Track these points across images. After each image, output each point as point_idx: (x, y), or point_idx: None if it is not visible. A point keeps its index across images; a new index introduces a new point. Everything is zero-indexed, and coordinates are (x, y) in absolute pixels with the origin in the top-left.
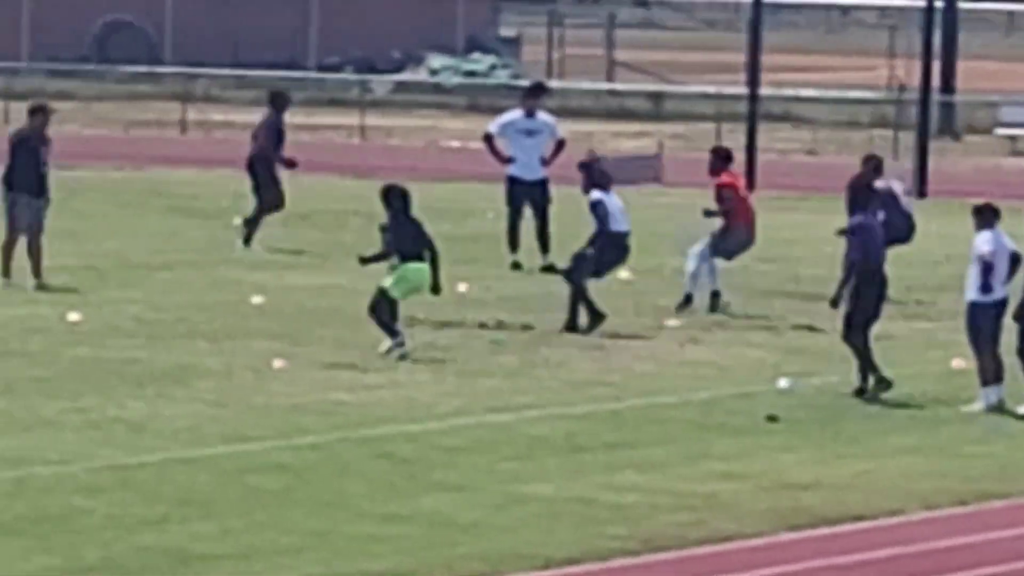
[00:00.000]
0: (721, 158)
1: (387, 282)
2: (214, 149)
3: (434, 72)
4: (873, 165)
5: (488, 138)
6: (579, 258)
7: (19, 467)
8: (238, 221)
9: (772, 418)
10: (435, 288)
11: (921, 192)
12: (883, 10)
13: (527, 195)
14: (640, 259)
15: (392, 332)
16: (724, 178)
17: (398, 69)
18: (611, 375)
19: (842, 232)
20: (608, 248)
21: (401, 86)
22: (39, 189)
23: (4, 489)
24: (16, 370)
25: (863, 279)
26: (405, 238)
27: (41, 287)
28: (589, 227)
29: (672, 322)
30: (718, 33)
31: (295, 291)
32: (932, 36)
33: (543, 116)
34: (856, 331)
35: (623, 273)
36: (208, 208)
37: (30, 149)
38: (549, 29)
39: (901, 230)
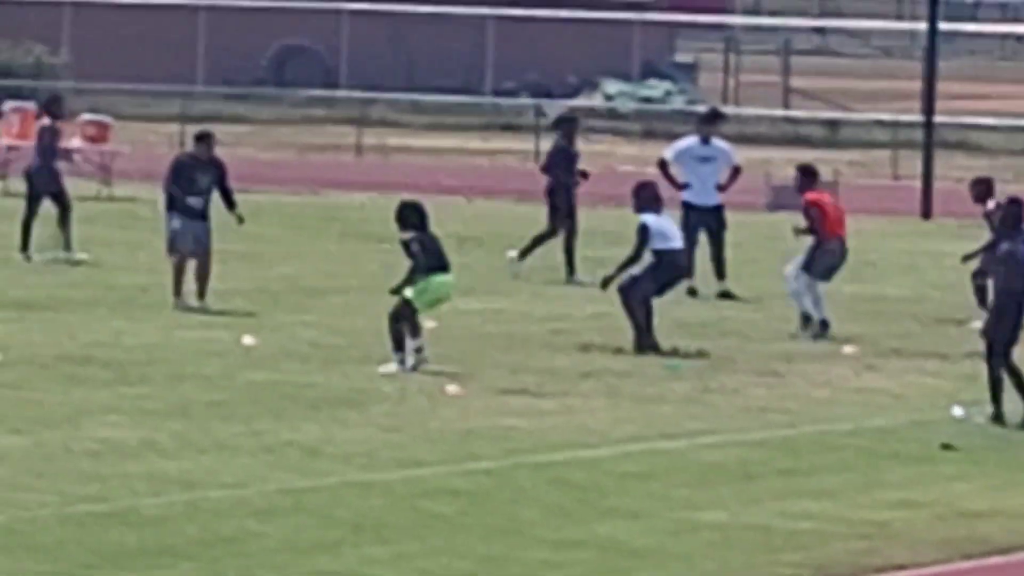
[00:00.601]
0: (807, 176)
1: (411, 293)
2: (390, 173)
3: (609, 98)
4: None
5: (663, 164)
6: (632, 279)
7: (193, 490)
8: (512, 253)
9: (947, 446)
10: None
11: None
12: None
13: (702, 221)
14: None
15: (399, 347)
16: (810, 196)
17: (573, 94)
18: (786, 402)
19: (967, 258)
20: (662, 267)
21: (576, 111)
22: (200, 213)
23: (177, 511)
24: (191, 393)
25: (1005, 305)
26: (432, 252)
27: (203, 309)
28: (764, 250)
29: (848, 349)
30: (894, 61)
31: (468, 316)
32: None
33: (719, 143)
34: (997, 357)
35: None
36: (383, 232)
37: (190, 173)
38: (725, 55)
39: None
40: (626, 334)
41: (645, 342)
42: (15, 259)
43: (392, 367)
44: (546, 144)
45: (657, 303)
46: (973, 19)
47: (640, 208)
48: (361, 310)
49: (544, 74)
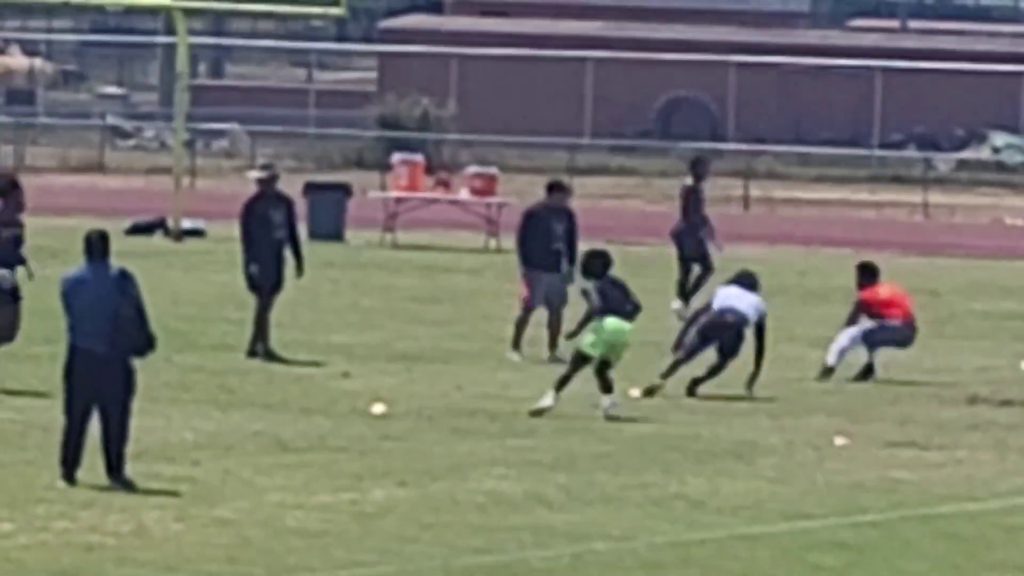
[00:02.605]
0: (865, 273)
1: (585, 341)
2: (777, 226)
3: (997, 150)
4: None
5: None
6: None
7: (580, 543)
8: (677, 305)
9: None
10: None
11: None
12: None
13: None
14: None
15: (560, 387)
16: (863, 295)
17: (961, 147)
18: None
19: None
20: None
21: (964, 164)
22: (555, 264)
23: (564, 564)
24: (577, 445)
25: None
26: (611, 298)
27: (556, 359)
28: None
29: None
30: None
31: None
32: None
33: None
34: None
35: None
36: (772, 284)
37: (543, 224)
38: None
39: None
40: (1015, 387)
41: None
42: (401, 310)
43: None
44: (935, 196)
45: None
46: None
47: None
48: (746, 362)
49: (931, 126)
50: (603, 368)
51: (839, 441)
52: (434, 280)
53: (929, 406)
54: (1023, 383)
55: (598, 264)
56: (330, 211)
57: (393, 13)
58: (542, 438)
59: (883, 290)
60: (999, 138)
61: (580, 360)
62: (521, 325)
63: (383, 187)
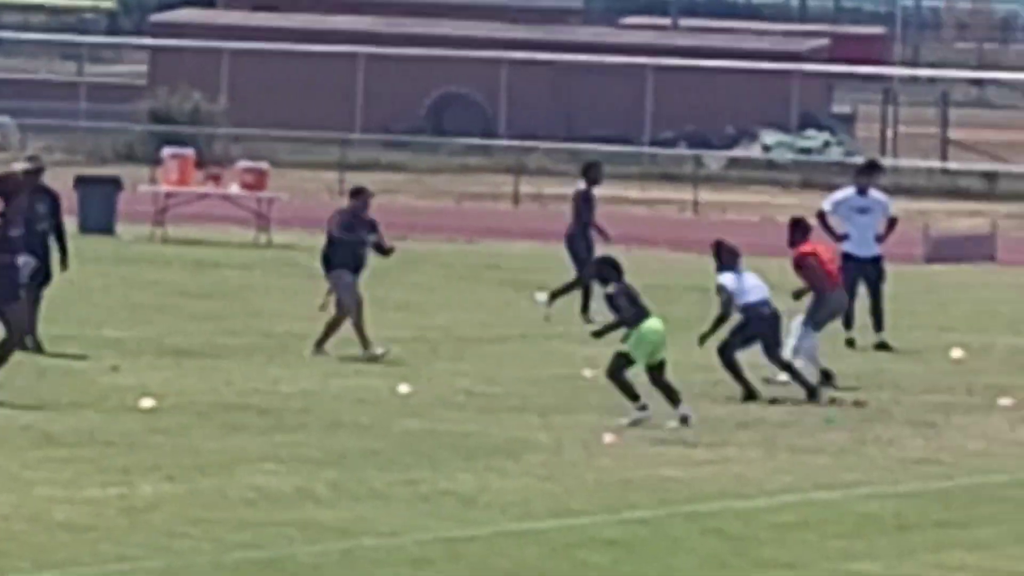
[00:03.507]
0: (798, 229)
1: (627, 347)
2: (547, 222)
3: (767, 148)
4: None
5: (822, 215)
6: (725, 340)
7: (348, 538)
8: (542, 296)
9: None
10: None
11: None
12: None
13: (861, 272)
14: (973, 337)
15: (634, 396)
16: (802, 249)
17: (731, 145)
18: (941, 454)
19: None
20: (749, 323)
21: (734, 162)
22: (357, 266)
23: (333, 560)
24: (347, 441)
25: None
26: (638, 304)
27: (371, 359)
28: (922, 303)
29: (1004, 401)
30: None
31: None
32: None
33: (876, 194)
34: None
35: (956, 352)
36: (541, 281)
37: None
38: (883, 107)
39: None
40: (783, 385)
41: (752, 393)
42: (171, 305)
43: (636, 415)
44: (705, 194)
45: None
46: None
47: (720, 268)
48: (517, 359)
49: (702, 124)
50: (657, 375)
51: (608, 439)
52: (204, 275)
53: (698, 404)
54: (792, 383)
55: (611, 269)
56: (100, 205)
57: (164, 7)
58: (311, 434)
59: (821, 248)
60: (769, 136)
61: (623, 359)
62: (338, 326)
63: (153, 181)
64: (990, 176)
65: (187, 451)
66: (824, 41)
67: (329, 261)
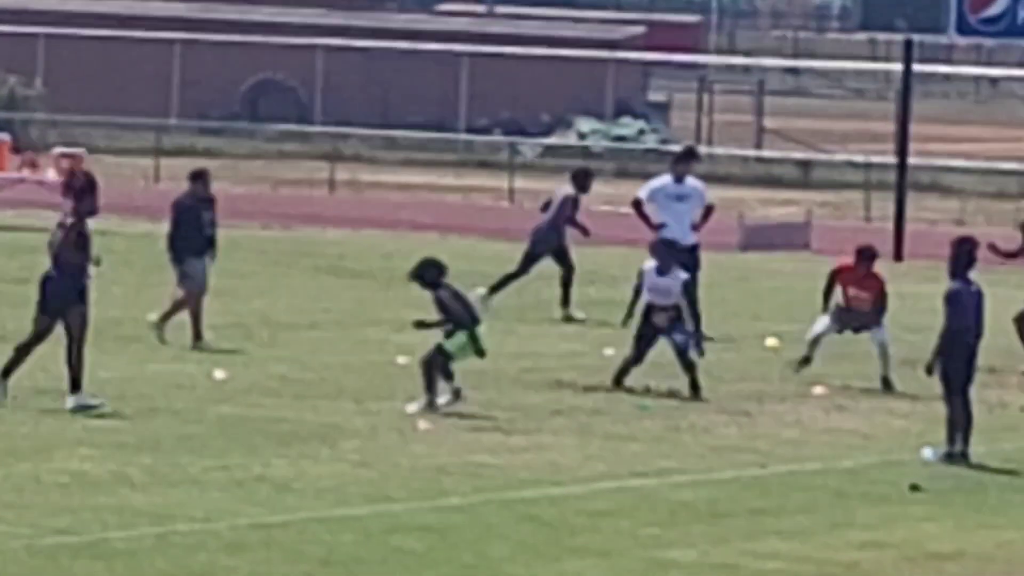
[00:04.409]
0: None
1: (450, 345)
2: (363, 209)
3: (583, 136)
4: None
5: (637, 204)
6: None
7: (162, 523)
8: (481, 291)
9: (916, 487)
10: (481, 352)
11: None
12: None
13: (677, 260)
14: (786, 326)
15: (431, 389)
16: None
17: (547, 133)
18: (756, 441)
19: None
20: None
21: (549, 150)
22: (202, 250)
23: (147, 545)
24: (162, 427)
25: (952, 344)
26: (464, 308)
27: (199, 348)
28: (736, 291)
29: (818, 389)
30: (867, 102)
31: None
32: None
33: (692, 181)
34: (949, 395)
35: (770, 340)
36: (356, 268)
37: (192, 213)
38: (699, 95)
39: None
40: (598, 373)
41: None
42: None
43: (415, 406)
44: (520, 182)
45: (629, 341)
46: (947, 61)
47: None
48: (333, 345)
49: (518, 112)
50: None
51: (423, 425)
52: (21, 260)
53: (513, 391)
54: (607, 369)
55: (435, 272)
56: None
57: None
58: (127, 419)
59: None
60: (585, 124)
61: (440, 356)
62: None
63: None
64: (805, 165)
65: (2, 436)
66: (640, 29)
67: (175, 246)
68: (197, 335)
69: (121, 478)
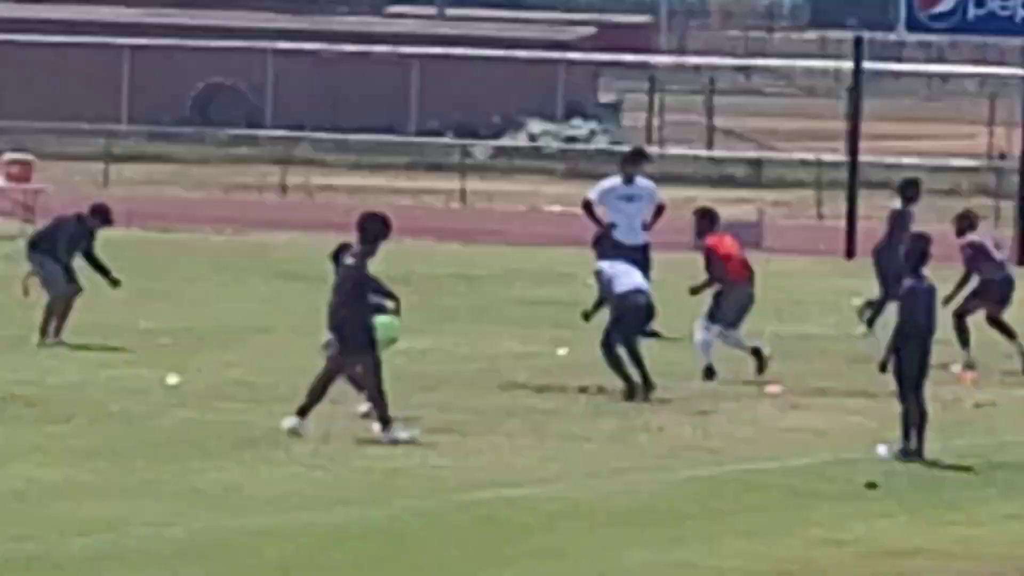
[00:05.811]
0: (704, 219)
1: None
2: (314, 213)
3: (534, 137)
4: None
5: (587, 205)
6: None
7: (117, 530)
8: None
9: (871, 484)
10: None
11: (1021, 260)
12: (983, 78)
13: (629, 260)
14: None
15: (360, 387)
16: (710, 240)
17: (498, 134)
18: (711, 441)
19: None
20: (624, 312)
21: (501, 151)
22: (59, 261)
23: (103, 551)
24: (116, 432)
25: (906, 341)
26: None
27: (59, 344)
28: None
29: (772, 388)
30: (818, 100)
31: (395, 355)
32: None
33: (643, 182)
34: (903, 392)
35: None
36: (309, 272)
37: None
38: (649, 95)
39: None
40: (552, 374)
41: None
42: None
43: (366, 406)
44: (472, 184)
45: (583, 341)
46: (898, 59)
47: (599, 256)
48: (286, 349)
49: (469, 114)
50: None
51: (376, 428)
52: None
53: (467, 393)
54: (560, 369)
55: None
56: None
57: None
58: (80, 426)
59: (727, 241)
60: (536, 125)
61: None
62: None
63: None
64: (756, 164)
65: None
66: (591, 30)
67: (36, 246)
68: (57, 331)
69: (76, 484)
